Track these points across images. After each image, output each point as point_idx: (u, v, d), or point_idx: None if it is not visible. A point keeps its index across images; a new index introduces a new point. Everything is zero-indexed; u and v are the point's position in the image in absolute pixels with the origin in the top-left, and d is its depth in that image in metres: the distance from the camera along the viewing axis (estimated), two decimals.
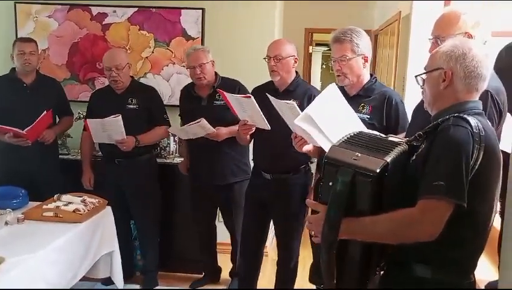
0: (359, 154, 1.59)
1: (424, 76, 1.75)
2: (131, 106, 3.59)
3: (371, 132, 1.92)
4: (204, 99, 3.55)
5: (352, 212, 1.58)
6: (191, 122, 3.33)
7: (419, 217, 1.52)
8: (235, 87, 3.49)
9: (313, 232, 1.72)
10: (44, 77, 3.79)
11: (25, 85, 3.62)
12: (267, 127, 2.96)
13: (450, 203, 1.51)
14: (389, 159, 1.57)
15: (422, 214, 1.52)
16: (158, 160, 3.96)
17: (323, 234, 1.59)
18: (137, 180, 3.64)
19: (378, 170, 1.53)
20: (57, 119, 3.83)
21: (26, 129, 3.36)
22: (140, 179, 3.66)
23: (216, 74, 3.58)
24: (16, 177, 3.40)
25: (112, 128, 3.39)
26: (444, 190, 1.49)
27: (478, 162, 1.55)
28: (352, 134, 1.76)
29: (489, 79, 1.76)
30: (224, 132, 3.40)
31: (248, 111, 3.00)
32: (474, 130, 1.56)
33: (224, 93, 3.08)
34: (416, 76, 1.79)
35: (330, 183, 1.61)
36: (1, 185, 3.26)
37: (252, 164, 3.50)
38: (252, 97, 2.92)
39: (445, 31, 2.16)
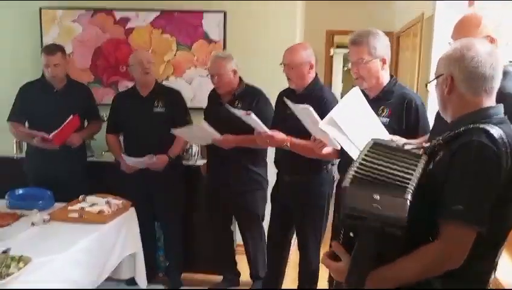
0: (378, 197, 1.40)
1: (434, 82, 1.69)
2: (158, 109, 3.64)
3: (387, 138, 1.89)
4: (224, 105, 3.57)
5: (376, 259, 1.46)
6: (194, 125, 3.32)
7: (447, 250, 1.45)
8: (254, 98, 3.44)
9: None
10: (74, 82, 3.82)
11: (55, 90, 3.67)
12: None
13: (471, 230, 1.44)
14: (409, 195, 1.39)
15: (450, 246, 1.45)
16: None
17: (348, 285, 1.49)
18: (162, 181, 3.66)
19: (406, 215, 1.38)
20: (86, 124, 3.88)
21: (51, 134, 3.41)
22: (165, 181, 3.68)
23: (240, 81, 3.54)
24: (42, 179, 3.47)
25: (139, 164, 3.54)
26: (463, 216, 1.43)
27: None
28: (368, 148, 1.60)
29: None
30: (231, 139, 3.33)
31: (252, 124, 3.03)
32: (501, 147, 1.47)
33: (230, 108, 3.14)
34: (426, 84, 1.75)
35: (351, 234, 1.47)
36: (28, 186, 3.34)
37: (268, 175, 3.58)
38: (252, 114, 2.92)
39: (466, 35, 2.08)
